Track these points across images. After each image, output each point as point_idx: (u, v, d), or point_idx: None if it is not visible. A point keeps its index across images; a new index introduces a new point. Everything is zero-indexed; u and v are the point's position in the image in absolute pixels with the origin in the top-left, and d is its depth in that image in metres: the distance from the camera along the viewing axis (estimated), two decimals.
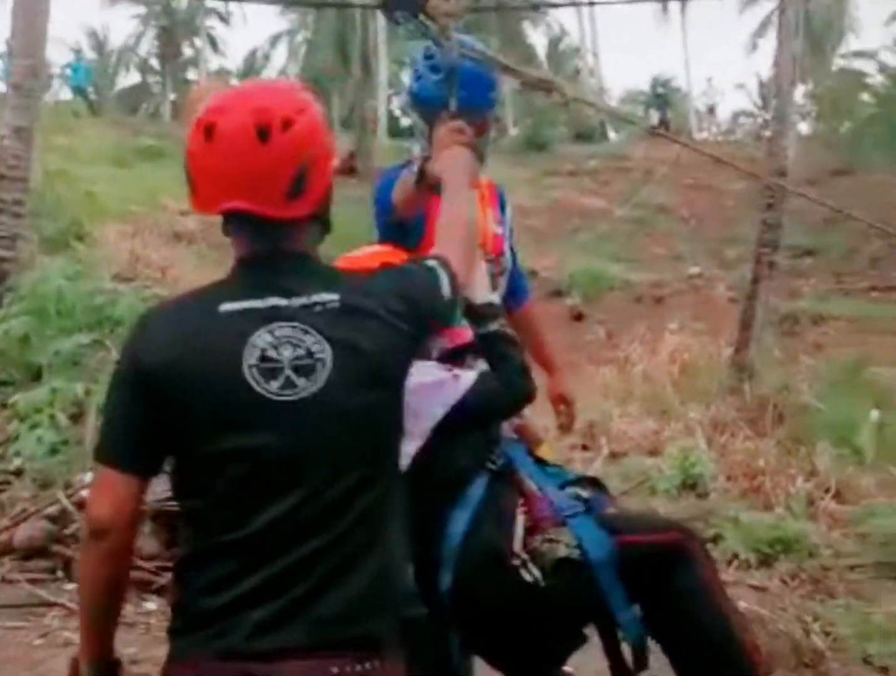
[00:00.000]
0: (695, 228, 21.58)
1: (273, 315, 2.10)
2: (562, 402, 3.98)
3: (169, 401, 2.08)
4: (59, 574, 5.53)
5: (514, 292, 3.90)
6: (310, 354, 2.08)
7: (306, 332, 2.08)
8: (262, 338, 2.08)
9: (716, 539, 7.21)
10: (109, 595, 2.17)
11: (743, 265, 12.25)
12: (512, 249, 3.89)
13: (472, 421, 3.05)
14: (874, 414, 10.45)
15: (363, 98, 25.86)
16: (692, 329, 14.86)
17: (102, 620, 2.19)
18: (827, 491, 8.78)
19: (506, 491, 3.07)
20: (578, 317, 17.12)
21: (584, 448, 9.86)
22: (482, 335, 3.15)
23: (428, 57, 3.51)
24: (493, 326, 3.15)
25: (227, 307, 2.11)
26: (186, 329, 2.12)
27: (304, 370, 2.07)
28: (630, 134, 36.60)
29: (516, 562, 2.93)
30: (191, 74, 53.68)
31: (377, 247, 3.32)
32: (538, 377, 3.84)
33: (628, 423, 10.80)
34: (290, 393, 2.07)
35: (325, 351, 2.08)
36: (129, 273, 11.55)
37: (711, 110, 38.66)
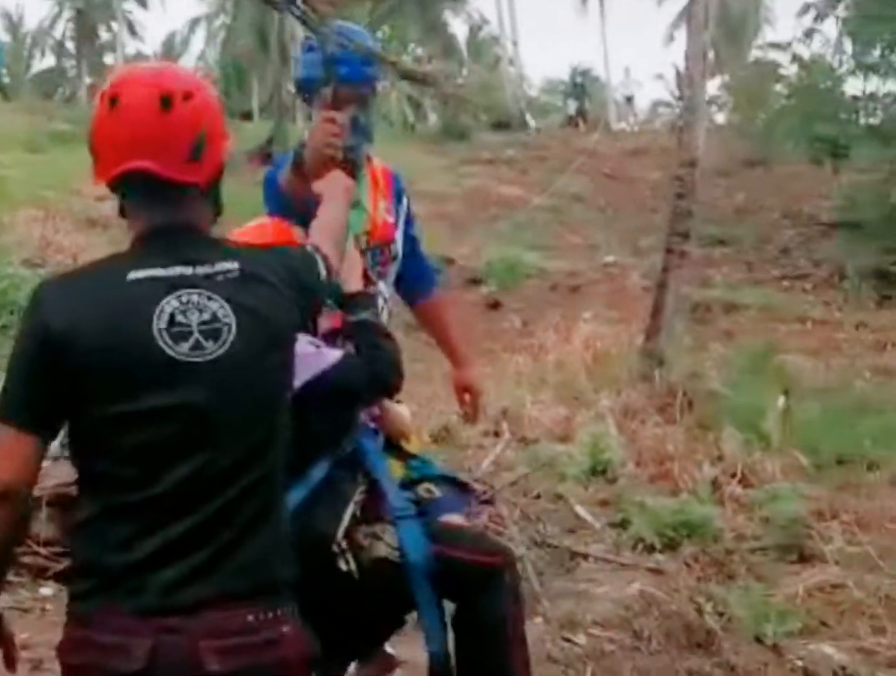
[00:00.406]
0: (611, 217, 21.76)
1: (179, 282, 2.20)
2: (466, 392, 3.99)
3: (79, 364, 2.14)
4: None
5: (419, 281, 3.92)
6: (216, 318, 2.18)
7: (211, 299, 2.19)
8: (170, 304, 2.17)
9: (623, 523, 7.32)
10: (4, 557, 2.23)
11: (657, 254, 12.41)
12: (414, 238, 3.91)
13: (327, 399, 3.06)
14: (781, 400, 10.66)
15: (282, 84, 25.69)
16: (606, 317, 15.03)
17: None
18: (733, 475, 8.95)
19: (347, 478, 3.13)
20: (494, 305, 17.19)
21: (496, 434, 9.90)
22: (354, 323, 3.18)
23: (309, 49, 3.60)
24: (365, 315, 3.18)
25: (134, 275, 2.19)
26: (95, 295, 2.19)
27: (211, 333, 2.18)
28: (550, 124, 36.92)
29: (336, 550, 3.00)
30: (108, 58, 52.92)
31: (262, 219, 3.34)
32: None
33: (540, 410, 10.86)
34: (198, 354, 2.17)
35: (229, 316, 2.19)
36: (39, 258, 11.40)
37: (629, 100, 39.03)
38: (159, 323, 2.16)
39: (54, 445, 6.11)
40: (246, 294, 2.22)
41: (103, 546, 2.15)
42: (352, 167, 3.18)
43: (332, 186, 2.93)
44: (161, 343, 2.15)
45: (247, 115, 35.58)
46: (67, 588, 2.23)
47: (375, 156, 3.77)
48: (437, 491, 3.20)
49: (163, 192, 2.26)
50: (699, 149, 11.86)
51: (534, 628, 5.01)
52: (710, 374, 11.57)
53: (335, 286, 2.61)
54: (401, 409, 3.29)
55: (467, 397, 4.00)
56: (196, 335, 2.17)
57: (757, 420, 10.17)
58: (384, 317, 3.63)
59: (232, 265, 2.24)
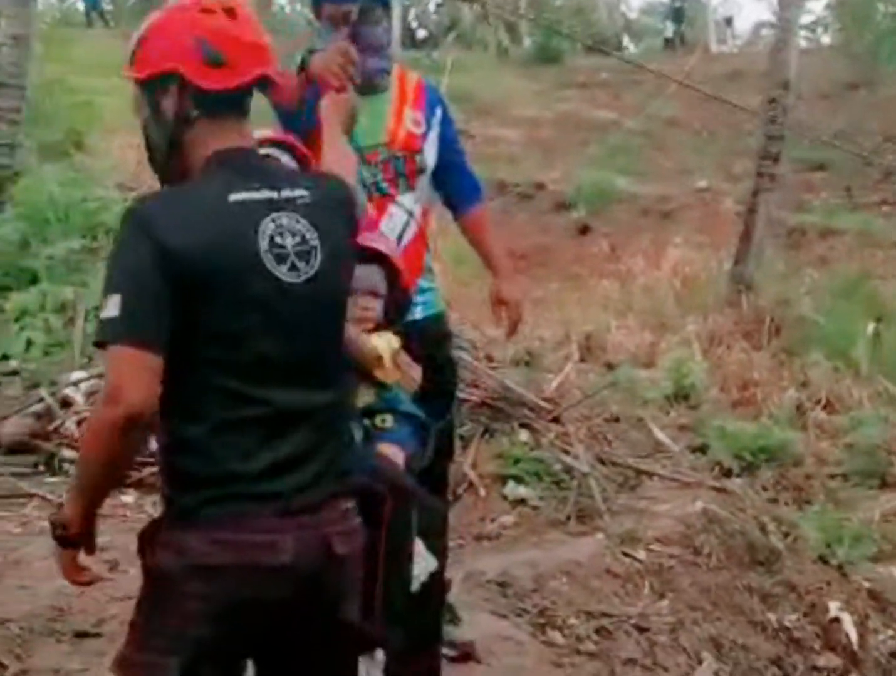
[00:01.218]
0: (706, 141, 21.34)
1: (272, 206, 2.28)
2: (502, 305, 3.96)
3: (195, 281, 2.18)
4: (41, 468, 5.68)
5: (461, 193, 3.93)
6: (304, 241, 2.29)
7: (298, 221, 2.29)
8: (268, 226, 2.26)
9: (702, 447, 7.31)
10: (121, 472, 2.45)
11: (752, 179, 12.15)
12: (456, 150, 3.92)
13: None
14: (872, 327, 10.49)
15: None
16: (697, 242, 14.84)
17: (102, 493, 2.33)
18: (818, 402, 8.86)
19: None
20: (584, 229, 17.05)
21: (582, 360, 9.87)
22: None
23: None
24: None
25: (235, 197, 2.25)
26: (203, 215, 2.23)
27: (303, 255, 2.28)
28: (647, 46, 36.15)
29: None
30: None
31: (264, 131, 3.36)
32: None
33: (625, 335, 10.83)
34: (294, 275, 2.27)
35: (315, 239, 2.30)
36: (134, 183, 11.57)
37: (729, 21, 37.85)
38: (263, 244, 2.24)
39: None
40: (321, 218, 2.32)
41: (225, 458, 2.25)
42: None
43: (334, 114, 2.96)
44: (267, 264, 2.24)
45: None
46: (175, 498, 2.30)
47: (413, 70, 3.84)
48: (390, 422, 3.24)
49: (240, 108, 2.35)
50: (792, 71, 11.60)
51: (594, 543, 5.08)
52: (801, 300, 11.41)
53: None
54: (370, 339, 3.29)
55: (504, 311, 3.96)
56: (292, 257, 2.27)
57: (846, 347, 10.03)
58: (410, 232, 3.67)
59: (304, 191, 2.33)
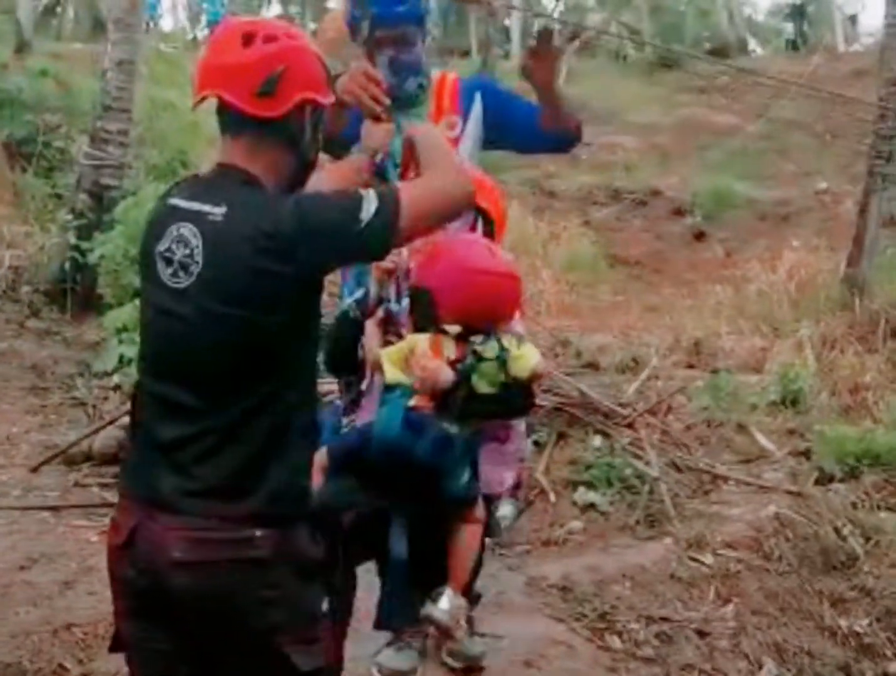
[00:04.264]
0: (828, 143, 20.83)
1: (184, 215, 2.41)
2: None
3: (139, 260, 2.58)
4: None
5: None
6: (191, 254, 2.37)
7: (195, 235, 2.37)
8: (172, 232, 2.42)
9: (806, 452, 7.13)
10: None
11: None
12: (517, 102, 3.90)
13: None
14: None
15: (487, 21, 25.72)
16: (815, 246, 14.48)
17: None
18: None
19: None
20: (699, 235, 16.78)
21: (690, 366, 9.75)
22: None
23: None
24: None
25: (169, 200, 2.48)
26: (151, 211, 2.58)
27: (186, 266, 2.38)
28: (775, 49, 35.46)
29: None
30: (331, 2, 53.72)
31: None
32: None
33: (736, 340, 10.66)
34: (175, 281, 2.40)
35: (199, 255, 2.36)
36: None
37: (853, 19, 36.88)
38: (160, 246, 2.42)
39: None
40: (221, 239, 2.35)
41: (130, 441, 2.69)
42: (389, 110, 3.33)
43: (371, 139, 3.16)
44: (157, 265, 2.42)
45: (466, 53, 35.68)
46: None
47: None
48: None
49: (234, 127, 2.46)
50: None
51: (661, 548, 5.02)
52: None
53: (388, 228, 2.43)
54: (374, 341, 3.44)
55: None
56: (176, 264, 2.39)
57: None
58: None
59: (219, 210, 2.36)
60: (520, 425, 3.89)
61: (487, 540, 5.48)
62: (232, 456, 2.35)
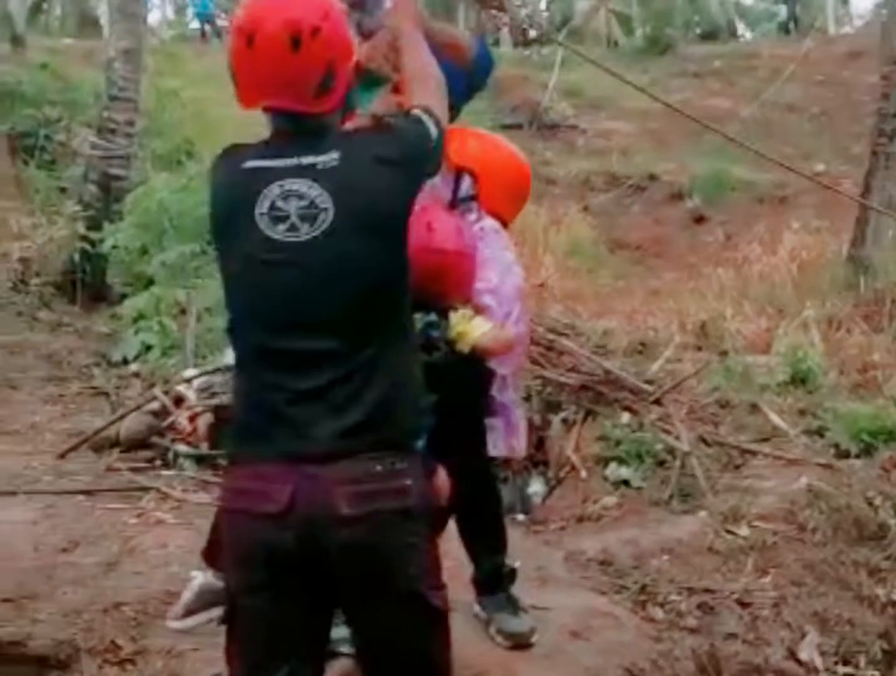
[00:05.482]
0: (824, 125, 20.88)
1: (283, 173, 2.45)
2: None
3: (214, 231, 2.60)
4: (157, 463, 5.88)
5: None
6: (313, 205, 2.42)
7: (311, 186, 2.43)
8: (273, 190, 2.44)
9: (819, 430, 7.17)
10: None
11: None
12: None
13: None
14: None
15: None
16: (814, 227, 14.53)
17: None
18: None
19: None
20: (699, 219, 16.85)
21: (699, 348, 9.76)
22: None
23: None
24: None
25: (248, 164, 2.50)
26: (223, 177, 2.56)
27: (307, 218, 2.42)
28: (764, 33, 35.48)
29: None
30: None
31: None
32: None
33: (741, 322, 10.67)
34: (293, 235, 2.43)
35: (327, 202, 2.42)
36: None
37: (844, 1, 36.93)
38: (262, 206, 2.43)
39: None
40: (346, 182, 2.43)
41: (239, 403, 2.60)
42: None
43: (401, 14, 2.99)
44: (260, 224, 2.43)
45: None
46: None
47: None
48: None
49: (292, 123, 2.54)
50: None
51: (696, 522, 5.05)
52: None
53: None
54: None
55: None
56: (293, 219, 2.41)
57: None
58: None
59: (333, 155, 2.44)
60: (503, 396, 3.78)
61: (521, 516, 5.60)
62: (378, 389, 2.42)
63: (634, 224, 16.69)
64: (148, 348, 7.29)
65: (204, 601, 3.76)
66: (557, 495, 5.57)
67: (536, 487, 5.80)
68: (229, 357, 6.70)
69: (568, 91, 21.94)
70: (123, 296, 8.80)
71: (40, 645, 3.79)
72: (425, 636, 2.49)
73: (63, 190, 11.23)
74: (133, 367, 7.59)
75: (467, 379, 3.38)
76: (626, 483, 5.56)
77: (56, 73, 13.86)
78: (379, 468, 2.40)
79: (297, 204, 2.41)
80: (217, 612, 2.86)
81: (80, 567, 4.44)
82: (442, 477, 2.88)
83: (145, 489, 5.46)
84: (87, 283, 9.33)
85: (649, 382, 6.42)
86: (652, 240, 16.22)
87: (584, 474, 5.65)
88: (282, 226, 2.41)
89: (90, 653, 3.79)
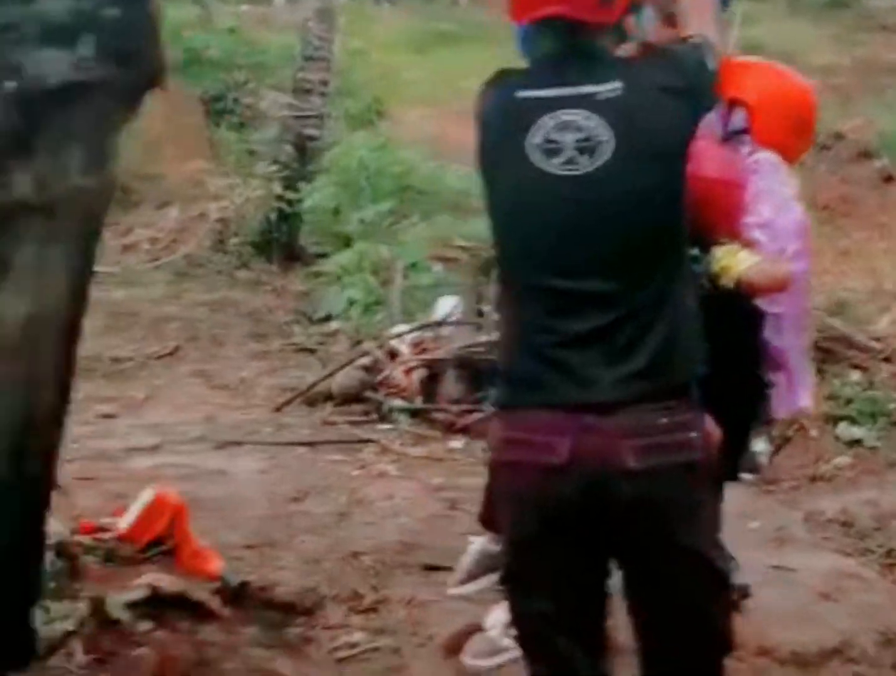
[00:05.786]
0: None
1: (558, 103, 2.31)
2: None
3: (483, 163, 2.42)
4: (373, 416, 5.94)
5: None
6: (591, 137, 2.27)
7: (588, 118, 2.27)
8: (546, 122, 2.29)
9: None
10: None
11: None
12: None
13: None
14: None
15: None
16: None
17: None
18: None
19: None
20: (888, 178, 16.18)
21: None
22: None
23: None
24: None
25: (522, 94, 2.35)
26: (495, 107, 2.40)
27: (585, 150, 2.27)
28: None
29: None
30: None
31: None
32: None
33: None
34: (569, 169, 2.27)
35: (606, 135, 2.26)
36: (431, 152, 11.87)
37: None
38: (535, 138, 2.29)
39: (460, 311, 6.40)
40: (628, 113, 2.28)
41: (509, 349, 2.45)
42: None
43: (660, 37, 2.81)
44: (532, 156, 2.29)
45: None
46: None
47: None
48: None
49: (571, 30, 2.35)
50: None
51: None
52: None
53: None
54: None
55: None
56: (569, 151, 2.27)
57: None
58: None
59: (615, 84, 2.29)
60: (780, 339, 3.59)
61: (749, 475, 5.43)
62: (661, 332, 2.29)
63: (821, 183, 16.09)
64: (352, 303, 7.34)
65: (484, 566, 3.69)
66: (784, 454, 5.39)
67: (760, 446, 5.62)
68: (439, 313, 6.77)
69: (750, 47, 21.30)
70: (317, 256, 8.89)
71: (286, 592, 3.82)
72: (708, 598, 2.36)
73: (252, 152, 11.40)
74: (334, 325, 7.66)
75: (732, 316, 3.20)
76: (858, 442, 5.36)
77: (242, 37, 14.07)
78: (664, 420, 2.27)
79: (575, 136, 2.27)
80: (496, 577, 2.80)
81: (313, 517, 4.51)
82: (711, 427, 2.76)
83: (364, 441, 5.51)
84: (281, 243, 9.44)
85: (876, 340, 6.18)
86: (839, 199, 15.64)
87: (813, 433, 5.47)
88: (556, 160, 2.27)
89: (335, 601, 3.83)
